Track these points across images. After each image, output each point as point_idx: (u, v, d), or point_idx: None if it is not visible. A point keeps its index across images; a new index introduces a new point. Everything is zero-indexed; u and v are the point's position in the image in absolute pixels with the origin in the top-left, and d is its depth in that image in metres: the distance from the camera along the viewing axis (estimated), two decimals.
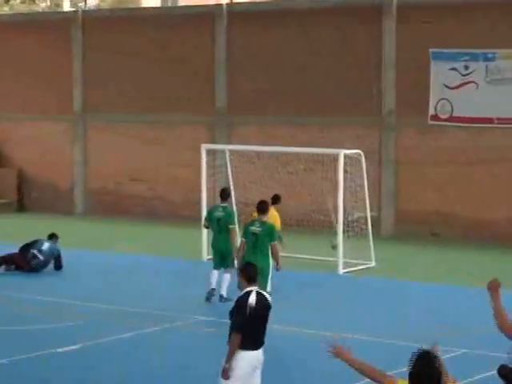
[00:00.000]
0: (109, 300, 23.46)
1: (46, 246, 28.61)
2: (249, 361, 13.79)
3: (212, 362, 17.07)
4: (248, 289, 13.91)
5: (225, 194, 25.60)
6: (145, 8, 61.27)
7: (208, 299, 24.47)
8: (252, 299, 13.62)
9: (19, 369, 18.76)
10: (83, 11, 47.04)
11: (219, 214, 24.92)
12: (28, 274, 27.74)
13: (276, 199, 24.97)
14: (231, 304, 16.04)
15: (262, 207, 22.91)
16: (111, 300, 23.46)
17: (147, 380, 17.66)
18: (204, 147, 30.19)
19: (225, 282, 23.71)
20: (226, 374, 13.26)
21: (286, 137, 31.01)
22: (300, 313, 22.39)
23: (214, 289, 24.60)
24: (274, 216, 24.20)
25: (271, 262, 22.03)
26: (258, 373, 13.93)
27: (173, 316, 18.17)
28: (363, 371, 10.88)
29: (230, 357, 13.66)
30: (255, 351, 13.86)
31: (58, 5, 54.56)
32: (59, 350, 19.46)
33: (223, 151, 30.75)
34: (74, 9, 49.43)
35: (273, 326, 20.87)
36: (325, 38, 34.07)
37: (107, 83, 38.46)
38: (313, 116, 32.91)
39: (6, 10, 61.26)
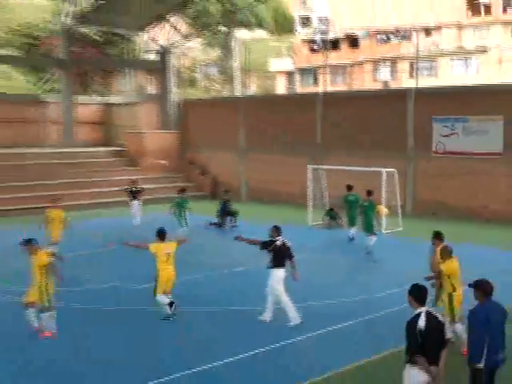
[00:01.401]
0: None
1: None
2: (279, 273, 14.57)
3: None
4: (277, 238, 14.69)
5: (350, 188, 25.94)
6: (279, 94, 61.44)
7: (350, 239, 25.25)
8: (279, 242, 14.59)
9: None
10: (244, 96, 47.38)
11: (352, 198, 25.47)
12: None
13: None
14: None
15: (369, 192, 23.60)
16: None
17: None
18: (310, 167, 30.45)
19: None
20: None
21: (353, 162, 30.78)
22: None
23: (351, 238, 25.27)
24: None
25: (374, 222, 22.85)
26: (283, 282, 14.70)
27: None
28: None
29: (251, 242, 15.46)
30: (282, 269, 14.59)
31: (231, 91, 54.71)
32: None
33: (320, 169, 30.88)
34: (240, 95, 49.26)
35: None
36: (374, 110, 34.05)
37: (257, 133, 38.71)
38: (368, 151, 32.86)
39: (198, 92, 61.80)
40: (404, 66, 64.33)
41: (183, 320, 15.08)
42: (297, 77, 72.85)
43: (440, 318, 8.89)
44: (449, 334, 9.25)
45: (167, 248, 15.22)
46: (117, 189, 32.28)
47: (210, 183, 41.01)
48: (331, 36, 69.48)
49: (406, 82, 59.30)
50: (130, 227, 28.01)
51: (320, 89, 51.22)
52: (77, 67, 46.30)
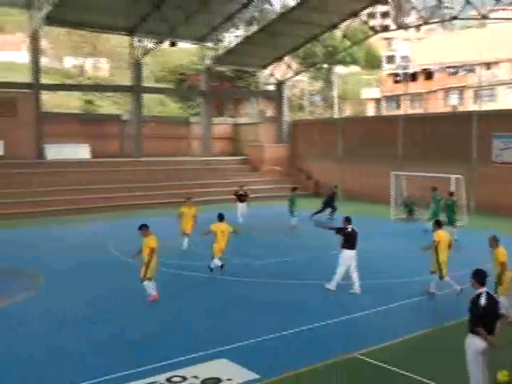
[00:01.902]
0: None
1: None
2: (349, 254, 14.52)
3: None
4: (348, 226, 14.74)
5: (435, 189, 24.43)
6: (368, 116, 60.34)
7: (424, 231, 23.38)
8: (349, 229, 14.68)
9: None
10: (341, 117, 46.81)
11: (438, 197, 24.01)
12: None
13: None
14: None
15: (451, 193, 23.61)
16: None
17: None
18: (392, 173, 29.76)
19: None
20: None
21: (427, 170, 29.73)
22: None
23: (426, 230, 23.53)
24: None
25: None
26: (355, 260, 14.63)
27: None
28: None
29: (329, 228, 16.16)
30: (352, 251, 14.54)
31: (331, 114, 54.08)
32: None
33: (399, 175, 30.11)
34: (338, 117, 48.58)
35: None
36: (445, 129, 32.97)
37: (350, 146, 38.20)
38: (439, 161, 31.80)
39: (301, 114, 61.53)
40: (469, 94, 62.35)
41: (293, 289, 15.07)
42: (383, 103, 71.55)
43: (495, 296, 8.68)
44: (503, 310, 9.05)
45: (223, 227, 16.62)
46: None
47: (313, 185, 40.64)
48: (411, 70, 68.12)
49: (471, 106, 57.36)
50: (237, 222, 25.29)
51: (401, 112, 50.13)
52: (215, 97, 47.07)
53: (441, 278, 14.19)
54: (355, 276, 14.69)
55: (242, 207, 27.16)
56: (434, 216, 24.27)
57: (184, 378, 9.20)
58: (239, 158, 44.19)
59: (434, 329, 12.00)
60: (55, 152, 36.40)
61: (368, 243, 18.19)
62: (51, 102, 48.71)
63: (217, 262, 16.50)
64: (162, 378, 9.23)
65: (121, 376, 9.42)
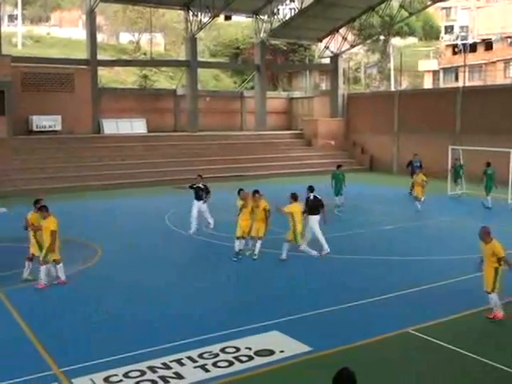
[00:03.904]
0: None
1: None
2: (314, 218, 15.59)
3: None
4: (309, 195, 15.81)
5: (488, 163, 24.31)
6: (426, 88, 58.92)
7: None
8: (310, 197, 15.76)
9: None
10: (397, 90, 45.85)
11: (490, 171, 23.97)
12: None
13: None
14: None
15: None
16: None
17: None
18: (450, 147, 29.08)
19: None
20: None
21: (485, 144, 28.72)
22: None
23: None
24: None
25: None
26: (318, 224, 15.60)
27: None
28: None
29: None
30: (314, 216, 15.63)
31: (387, 87, 52.83)
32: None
33: (458, 150, 29.33)
34: (394, 90, 47.53)
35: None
36: (505, 101, 31.78)
37: (407, 120, 37.43)
38: (498, 135, 30.79)
39: (358, 88, 60.40)
40: None
41: (344, 265, 15.01)
42: (441, 75, 69.85)
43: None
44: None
45: (241, 203, 15.79)
46: (296, 162, 32.09)
47: (368, 159, 40.15)
48: (470, 41, 66.11)
49: None
50: None
51: (460, 84, 48.73)
52: (269, 70, 46.86)
53: (297, 242, 15.15)
54: (320, 239, 15.60)
55: (198, 207, 18.47)
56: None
57: (237, 349, 9.30)
58: (293, 132, 44.04)
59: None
60: (112, 126, 37.15)
61: (429, 219, 17.87)
62: (107, 77, 49.51)
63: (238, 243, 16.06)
64: (217, 348, 9.37)
65: (183, 344, 9.58)
